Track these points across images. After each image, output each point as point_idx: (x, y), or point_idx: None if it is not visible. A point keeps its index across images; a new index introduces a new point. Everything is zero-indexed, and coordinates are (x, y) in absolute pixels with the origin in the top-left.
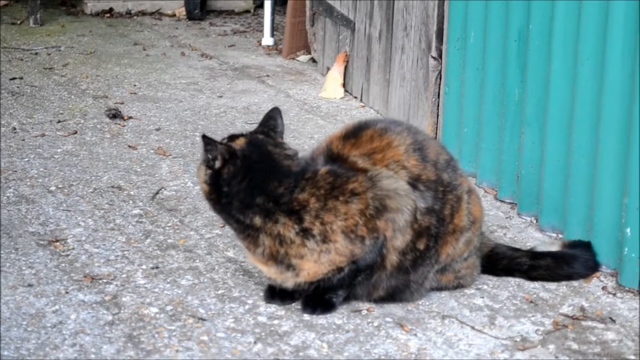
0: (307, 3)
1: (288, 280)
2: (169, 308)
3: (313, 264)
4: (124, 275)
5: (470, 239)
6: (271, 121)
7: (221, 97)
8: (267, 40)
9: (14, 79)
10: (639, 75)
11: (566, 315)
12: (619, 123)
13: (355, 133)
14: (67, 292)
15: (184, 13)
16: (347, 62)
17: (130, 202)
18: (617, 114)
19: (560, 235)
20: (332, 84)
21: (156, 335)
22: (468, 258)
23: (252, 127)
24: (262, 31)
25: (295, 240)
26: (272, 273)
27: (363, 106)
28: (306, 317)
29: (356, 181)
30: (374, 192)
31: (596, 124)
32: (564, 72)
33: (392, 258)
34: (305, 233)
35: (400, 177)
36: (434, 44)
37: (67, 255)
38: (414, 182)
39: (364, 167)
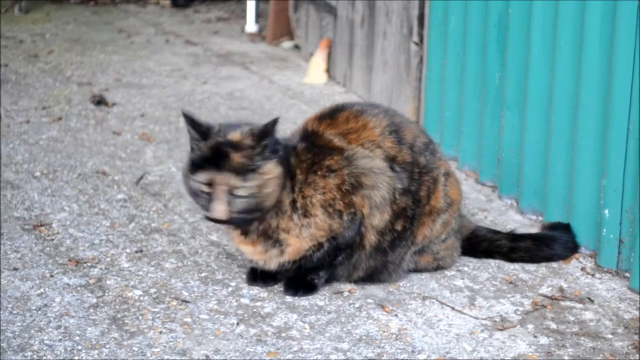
0: None
1: (272, 260)
2: (152, 291)
3: (295, 239)
4: (109, 259)
5: (447, 220)
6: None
7: (205, 83)
8: (251, 27)
9: None
10: (616, 58)
11: (545, 296)
12: (597, 106)
13: (331, 114)
14: (52, 276)
15: (168, 0)
16: (330, 48)
17: (115, 187)
18: (595, 98)
19: (540, 218)
20: (315, 69)
21: (140, 318)
22: (446, 240)
23: (236, 113)
24: (245, 18)
25: (287, 210)
26: (257, 253)
27: (346, 91)
28: (288, 298)
29: (332, 159)
30: (349, 170)
31: (575, 107)
32: (543, 56)
33: (371, 238)
34: (294, 204)
35: (376, 155)
36: (415, 29)
37: (52, 239)
38: (390, 164)
39: (340, 145)
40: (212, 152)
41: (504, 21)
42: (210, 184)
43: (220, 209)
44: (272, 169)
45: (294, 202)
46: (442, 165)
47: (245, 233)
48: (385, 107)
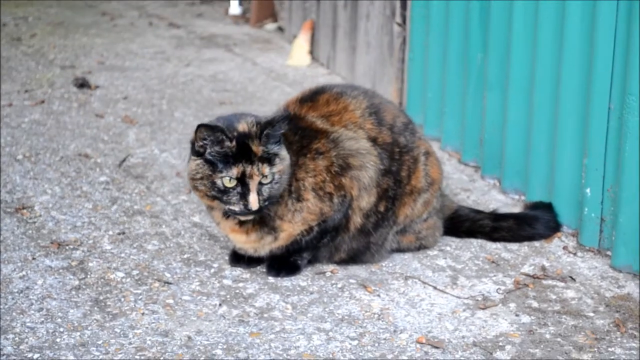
0: None
1: (264, 247)
2: (135, 272)
3: (288, 224)
4: (91, 241)
5: (428, 200)
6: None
7: (188, 65)
8: (235, 9)
9: None
10: (597, 37)
11: (527, 275)
12: (579, 85)
13: (311, 97)
14: (34, 258)
15: None
16: (314, 29)
17: (97, 169)
18: (577, 77)
19: (522, 197)
20: (299, 51)
21: (122, 299)
22: (428, 219)
23: (219, 95)
24: (229, 0)
25: (284, 196)
26: (250, 242)
27: (329, 73)
28: (271, 279)
29: (319, 142)
30: (337, 152)
31: (556, 87)
32: (524, 36)
33: (357, 220)
34: (289, 189)
35: (360, 136)
36: (398, 10)
37: (34, 222)
38: (372, 145)
39: (324, 127)
40: (236, 148)
41: (486, 2)
42: (240, 177)
43: (254, 199)
44: (285, 156)
45: (289, 186)
46: (422, 145)
47: (241, 222)
48: (365, 88)
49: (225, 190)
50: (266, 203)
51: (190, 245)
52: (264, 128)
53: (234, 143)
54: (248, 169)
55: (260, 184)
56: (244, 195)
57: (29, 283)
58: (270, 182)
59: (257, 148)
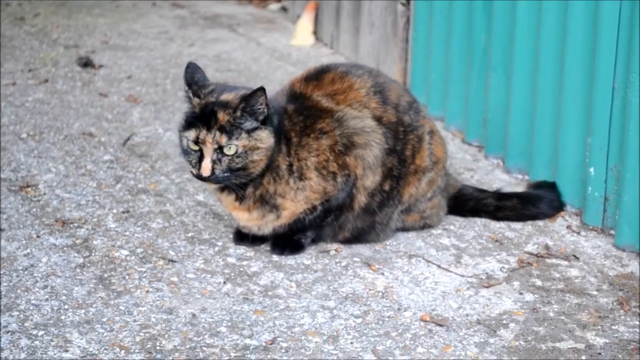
0: None
1: (267, 226)
2: (139, 251)
3: (291, 203)
4: (95, 220)
5: (433, 179)
6: (197, 75)
7: (192, 45)
8: None
9: None
10: (601, 17)
11: (531, 254)
12: (583, 65)
13: (316, 76)
14: (38, 236)
15: None
16: (317, 9)
17: (102, 148)
18: (581, 56)
19: (526, 177)
20: (303, 31)
21: (127, 277)
22: (432, 198)
23: (223, 75)
24: None
25: (284, 175)
26: (253, 220)
27: (333, 53)
28: (275, 258)
29: (324, 121)
30: (341, 130)
31: (560, 66)
32: (528, 16)
33: (361, 199)
34: (290, 168)
35: (365, 115)
36: None
37: (39, 200)
38: (377, 124)
39: (329, 106)
40: (202, 111)
41: None
42: (197, 141)
43: (206, 166)
44: (265, 138)
45: (290, 165)
46: (427, 124)
47: (240, 199)
48: (369, 67)
49: (187, 151)
50: (226, 174)
51: (194, 224)
52: (240, 100)
53: (198, 105)
54: (202, 134)
55: (223, 154)
56: (199, 160)
57: (33, 261)
58: (232, 155)
59: (223, 117)
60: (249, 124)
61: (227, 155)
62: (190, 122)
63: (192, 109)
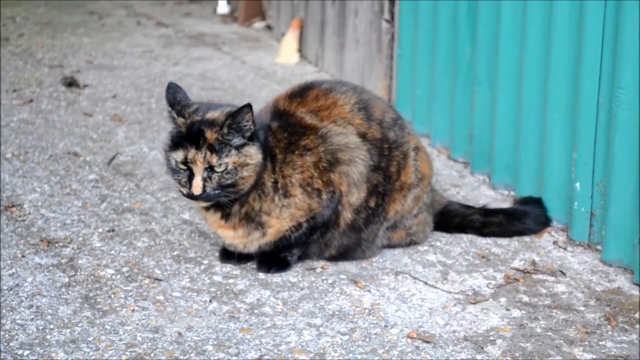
0: None
1: (253, 243)
2: (125, 269)
3: (276, 220)
4: (80, 239)
5: (418, 195)
6: (179, 95)
7: (177, 64)
8: (223, 8)
9: None
10: (585, 32)
11: (517, 269)
12: (567, 80)
13: (300, 93)
14: (23, 256)
15: None
16: (302, 27)
17: (87, 167)
18: (565, 71)
19: (512, 192)
20: (287, 49)
21: (112, 296)
22: (418, 214)
23: (208, 94)
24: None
25: (269, 192)
26: (238, 237)
27: (318, 71)
28: (261, 275)
29: (308, 138)
30: (325, 147)
31: (545, 81)
32: (512, 30)
33: (347, 216)
34: (275, 185)
35: (349, 132)
36: (386, 7)
37: (24, 220)
38: (361, 140)
39: (313, 123)
40: (189, 130)
41: None
42: (186, 161)
43: (197, 185)
44: (253, 154)
45: (275, 182)
46: (412, 140)
47: (225, 217)
48: (353, 84)
49: (176, 170)
50: (217, 192)
51: (180, 242)
52: (227, 117)
53: (183, 125)
54: (191, 154)
55: (213, 171)
56: (189, 179)
57: (18, 280)
58: (222, 172)
59: (212, 135)
60: (236, 140)
61: (217, 172)
62: (177, 142)
63: (177, 129)
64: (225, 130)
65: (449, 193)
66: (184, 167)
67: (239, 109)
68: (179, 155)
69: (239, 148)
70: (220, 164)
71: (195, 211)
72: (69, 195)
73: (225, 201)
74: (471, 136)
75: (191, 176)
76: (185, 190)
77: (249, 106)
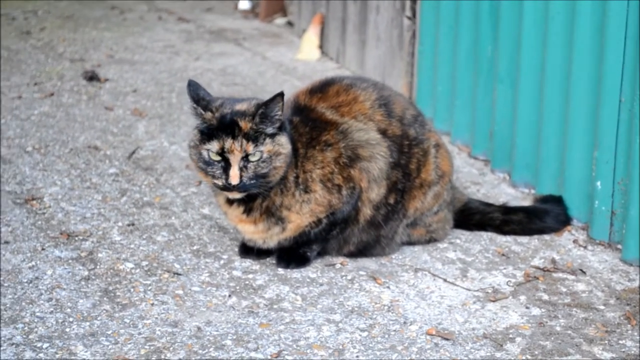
0: None
1: (272, 238)
2: (144, 263)
3: (296, 215)
4: (100, 232)
5: (438, 192)
6: (201, 91)
7: (198, 59)
8: (244, 4)
9: None
10: (608, 29)
11: (537, 268)
12: (590, 78)
13: (321, 88)
14: (43, 249)
15: None
16: (323, 24)
17: (107, 161)
18: (588, 69)
19: (532, 191)
20: (308, 45)
21: (132, 290)
22: (438, 212)
23: (229, 89)
24: None
25: (291, 187)
26: (258, 232)
27: (339, 67)
28: (280, 271)
29: (329, 133)
30: (346, 143)
31: (567, 79)
32: (535, 28)
33: (366, 212)
34: (297, 180)
35: (370, 128)
36: (408, 3)
37: (44, 213)
38: (382, 136)
39: (334, 119)
40: (221, 122)
41: None
42: (222, 152)
43: (235, 174)
44: (285, 143)
45: (296, 177)
46: (432, 137)
47: (248, 211)
48: (374, 80)
49: (209, 162)
50: (252, 182)
51: (199, 237)
52: (258, 107)
53: (214, 117)
54: (228, 143)
55: (248, 160)
56: (225, 170)
57: (38, 273)
58: (257, 161)
59: (246, 125)
60: (269, 129)
61: (253, 162)
62: (210, 134)
63: (206, 123)
64: (257, 119)
65: (469, 191)
66: (219, 159)
67: (271, 98)
68: (214, 145)
69: (272, 137)
70: (255, 152)
71: (215, 206)
72: (89, 188)
73: (258, 192)
74: (492, 134)
75: (227, 167)
76: (220, 182)
77: (281, 95)
